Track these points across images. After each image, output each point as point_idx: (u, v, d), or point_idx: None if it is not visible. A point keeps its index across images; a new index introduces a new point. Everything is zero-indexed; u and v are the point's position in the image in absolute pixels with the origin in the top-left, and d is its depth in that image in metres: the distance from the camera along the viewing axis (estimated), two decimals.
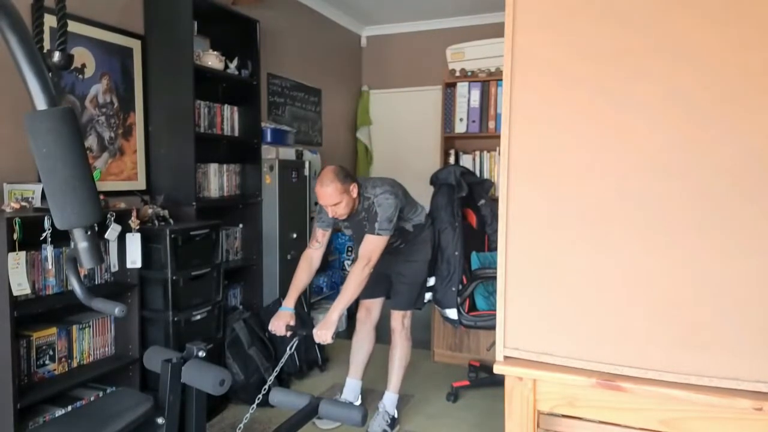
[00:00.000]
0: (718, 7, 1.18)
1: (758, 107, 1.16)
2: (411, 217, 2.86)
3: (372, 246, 2.62)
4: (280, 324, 2.67)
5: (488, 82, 4.03)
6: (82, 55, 2.79)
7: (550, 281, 1.35)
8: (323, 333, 2.53)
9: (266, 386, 2.18)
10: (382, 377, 3.03)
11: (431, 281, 3.01)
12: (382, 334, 3.15)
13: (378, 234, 2.61)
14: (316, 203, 3.32)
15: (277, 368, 2.36)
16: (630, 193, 1.27)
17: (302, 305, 3.85)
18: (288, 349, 2.41)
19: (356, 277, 2.59)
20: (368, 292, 2.95)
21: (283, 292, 3.77)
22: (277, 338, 3.47)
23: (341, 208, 2.61)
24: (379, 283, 2.93)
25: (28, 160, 2.43)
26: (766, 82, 1.15)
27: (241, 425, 1.89)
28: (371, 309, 3.02)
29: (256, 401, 2.04)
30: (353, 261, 2.96)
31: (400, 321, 2.92)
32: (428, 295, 3.04)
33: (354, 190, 2.63)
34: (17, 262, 2.11)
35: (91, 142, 2.88)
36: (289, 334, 2.64)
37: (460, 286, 2.91)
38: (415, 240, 2.90)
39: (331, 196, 2.57)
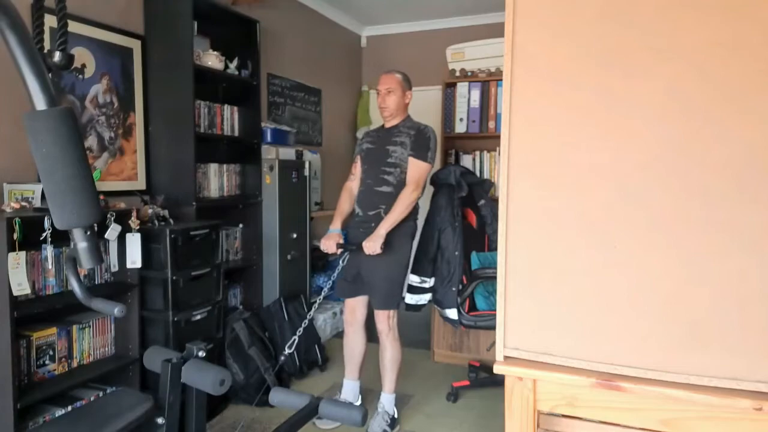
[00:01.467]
0: (717, 7, 1.18)
1: (758, 106, 1.16)
2: None
3: (420, 171, 2.80)
4: (331, 243, 2.86)
5: (488, 82, 4.03)
6: (82, 55, 2.79)
7: (550, 281, 1.35)
8: (372, 244, 2.68)
9: (279, 363, 2.23)
10: (380, 376, 3.02)
11: (429, 282, 3.00)
12: (376, 333, 3.14)
13: (428, 162, 2.81)
14: (317, 203, 3.35)
15: (295, 338, 2.41)
16: (630, 193, 1.27)
17: (303, 306, 3.86)
18: (341, 262, 2.72)
19: (405, 199, 2.76)
20: (349, 291, 2.95)
21: (284, 292, 3.79)
22: (277, 338, 3.48)
23: (392, 99, 2.83)
24: (357, 282, 2.91)
25: (28, 160, 2.42)
26: (764, 79, 1.15)
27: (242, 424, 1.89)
28: (355, 309, 2.99)
29: (269, 382, 2.03)
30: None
31: (385, 322, 2.87)
32: (427, 297, 3.03)
33: (408, 96, 2.90)
34: (17, 262, 2.11)
35: (91, 142, 2.88)
36: (339, 251, 2.87)
37: (460, 286, 2.91)
38: (397, 228, 2.78)
39: (390, 81, 2.84)
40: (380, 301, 2.86)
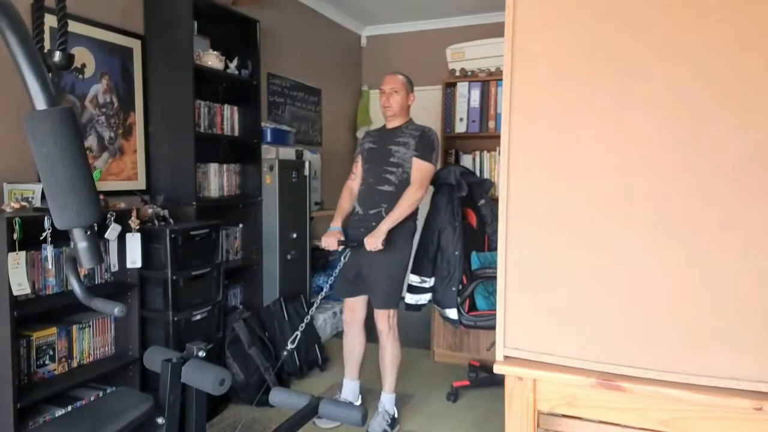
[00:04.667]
0: (717, 6, 1.18)
1: (758, 105, 1.16)
2: None
3: (424, 171, 2.83)
4: (332, 240, 2.86)
5: (488, 82, 4.02)
6: (82, 55, 2.79)
7: (550, 281, 1.35)
8: (373, 241, 2.70)
9: (282, 358, 2.23)
10: (380, 376, 3.02)
11: (429, 282, 2.99)
12: (376, 333, 3.14)
13: (432, 162, 2.85)
14: (317, 203, 3.36)
15: (297, 333, 2.44)
16: (630, 193, 1.27)
17: (303, 306, 3.86)
18: (342, 258, 2.77)
19: (409, 197, 2.79)
20: (348, 290, 2.95)
21: (284, 292, 3.79)
22: (277, 338, 3.48)
23: (395, 99, 2.86)
24: (357, 282, 2.91)
25: (28, 160, 2.42)
26: (766, 81, 1.15)
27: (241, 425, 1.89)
28: (355, 308, 3.00)
29: (268, 382, 2.02)
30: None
31: (386, 322, 2.87)
32: (427, 297, 3.03)
33: (411, 98, 2.94)
34: (17, 262, 2.11)
35: (91, 142, 2.88)
36: (341, 248, 2.87)
37: (460, 286, 2.91)
38: (398, 228, 2.80)
39: (395, 82, 2.88)
40: (380, 300, 2.86)
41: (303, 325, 2.56)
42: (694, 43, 1.21)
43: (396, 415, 2.95)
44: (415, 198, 2.78)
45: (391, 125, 2.94)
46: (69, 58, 1.32)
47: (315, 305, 2.71)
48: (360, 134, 3.08)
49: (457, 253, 2.91)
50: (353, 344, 3.02)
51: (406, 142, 2.84)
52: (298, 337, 2.49)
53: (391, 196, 2.83)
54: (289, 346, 2.41)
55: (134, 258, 2.60)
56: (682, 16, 1.22)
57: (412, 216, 2.91)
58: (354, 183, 3.04)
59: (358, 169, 3.03)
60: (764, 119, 1.15)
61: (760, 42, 1.15)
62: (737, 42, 1.17)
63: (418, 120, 3.00)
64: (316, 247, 4.03)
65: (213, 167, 3.48)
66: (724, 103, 1.19)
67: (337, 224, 2.95)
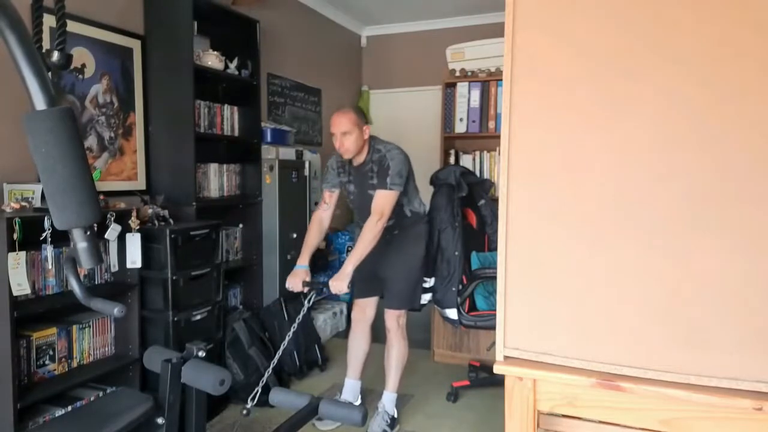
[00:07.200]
0: (715, 9, 1.18)
1: (753, 107, 1.16)
2: (412, 200, 2.87)
3: (383, 201, 2.67)
4: (296, 281, 2.74)
5: (488, 82, 4.03)
6: (82, 55, 2.79)
7: (550, 281, 1.35)
8: (338, 284, 2.60)
9: (265, 380, 2.19)
10: (381, 377, 3.02)
11: (429, 282, 3.00)
12: (380, 333, 3.15)
13: (390, 189, 2.67)
14: (317, 203, 3.35)
15: (283, 345, 2.37)
16: (629, 193, 1.27)
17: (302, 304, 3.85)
18: (306, 302, 2.51)
19: (369, 231, 2.64)
20: (362, 291, 2.95)
21: (284, 292, 3.77)
22: (276, 338, 3.48)
23: (350, 141, 2.68)
24: (372, 282, 2.92)
25: (28, 160, 2.41)
26: (763, 82, 1.15)
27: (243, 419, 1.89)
28: (366, 308, 3.01)
29: (256, 394, 2.04)
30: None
31: (395, 320, 2.90)
32: (427, 297, 3.03)
33: (366, 131, 2.73)
34: (17, 262, 2.11)
35: (91, 142, 2.88)
36: (306, 289, 2.74)
37: (460, 286, 2.91)
38: (410, 231, 2.86)
39: (345, 124, 2.67)
40: (395, 301, 2.89)
41: (295, 325, 2.49)
42: (692, 46, 1.21)
43: (396, 415, 2.95)
44: (377, 229, 2.63)
45: (356, 162, 2.80)
46: (67, 58, 1.32)
47: (309, 303, 2.58)
48: (332, 163, 2.91)
49: (457, 253, 2.91)
50: (359, 343, 3.03)
51: (374, 183, 2.72)
52: (290, 335, 2.47)
53: (397, 226, 2.84)
54: (283, 345, 2.40)
55: (134, 258, 2.60)
56: (681, 18, 1.21)
57: (422, 218, 2.92)
58: (325, 213, 2.91)
59: (331, 199, 2.91)
60: (759, 120, 1.15)
61: (755, 44, 1.15)
62: (733, 44, 1.17)
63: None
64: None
65: (213, 167, 3.48)
66: (721, 105, 1.19)
67: (303, 262, 2.80)
